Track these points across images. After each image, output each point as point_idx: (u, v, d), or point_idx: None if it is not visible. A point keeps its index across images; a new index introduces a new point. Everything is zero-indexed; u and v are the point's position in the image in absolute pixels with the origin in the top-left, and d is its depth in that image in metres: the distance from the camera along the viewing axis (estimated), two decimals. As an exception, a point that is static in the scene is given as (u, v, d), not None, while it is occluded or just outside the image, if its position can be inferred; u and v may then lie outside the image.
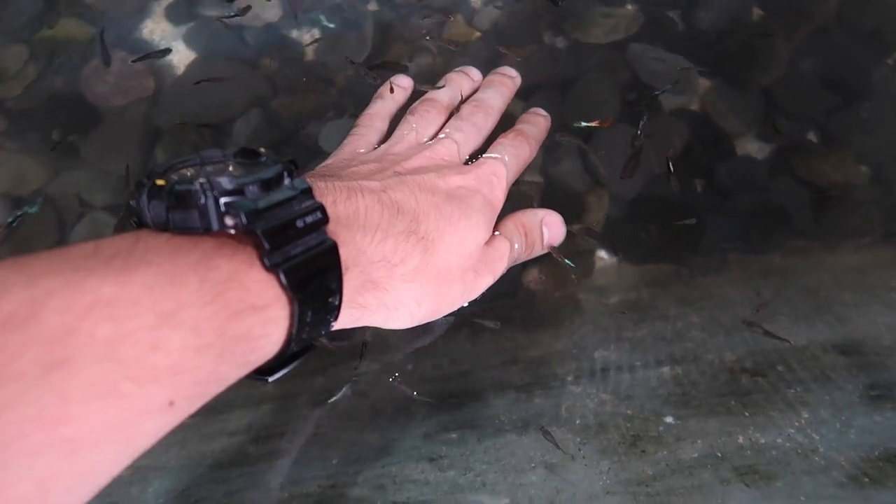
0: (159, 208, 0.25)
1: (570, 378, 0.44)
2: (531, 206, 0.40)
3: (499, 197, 0.39)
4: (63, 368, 0.20)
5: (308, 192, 0.27)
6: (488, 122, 0.43)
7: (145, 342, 0.22)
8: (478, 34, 0.61)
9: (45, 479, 0.19)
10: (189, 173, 0.27)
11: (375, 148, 0.42)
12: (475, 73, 0.47)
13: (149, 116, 0.58)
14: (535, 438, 0.39)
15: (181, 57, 0.59)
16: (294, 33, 0.61)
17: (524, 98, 0.59)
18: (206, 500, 0.40)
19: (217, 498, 0.40)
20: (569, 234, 0.41)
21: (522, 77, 0.59)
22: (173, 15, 0.61)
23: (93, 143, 0.57)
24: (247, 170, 0.27)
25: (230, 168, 0.28)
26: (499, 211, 0.38)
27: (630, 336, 0.48)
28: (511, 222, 0.39)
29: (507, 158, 0.40)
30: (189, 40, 0.60)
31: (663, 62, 0.60)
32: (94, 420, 0.20)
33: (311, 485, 0.40)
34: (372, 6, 0.62)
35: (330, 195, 0.30)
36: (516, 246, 0.38)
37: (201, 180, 0.25)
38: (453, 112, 0.43)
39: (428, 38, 0.61)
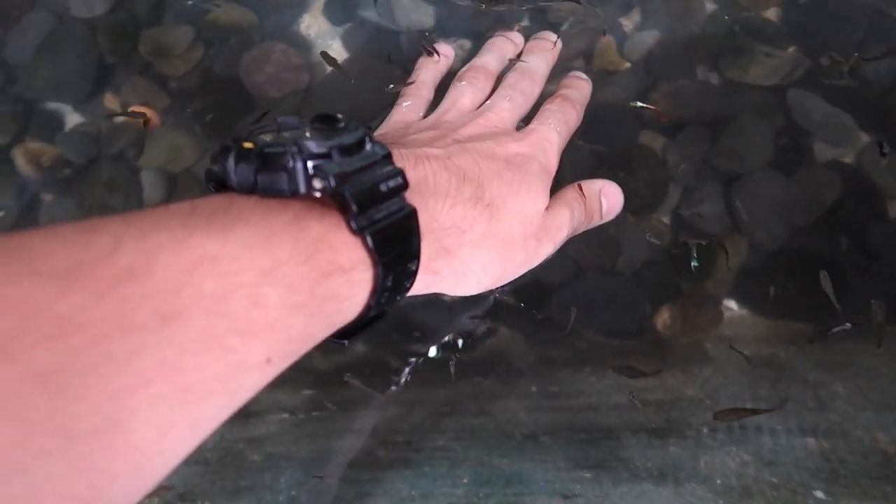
0: (247, 171, 0.25)
1: (705, 430, 0.43)
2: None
3: (552, 162, 0.39)
4: (177, 321, 0.20)
5: (388, 157, 0.28)
6: (535, 89, 0.44)
7: (247, 298, 0.22)
8: (628, 65, 0.60)
9: (163, 426, 0.20)
10: (268, 138, 0.27)
11: (424, 116, 0.42)
12: (517, 38, 0.48)
13: (300, 109, 0.59)
14: (674, 492, 0.38)
15: (336, 55, 0.60)
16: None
17: (671, 135, 0.58)
18: (339, 499, 0.41)
19: (348, 499, 0.41)
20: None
21: (672, 111, 0.58)
22: (331, 13, 0.62)
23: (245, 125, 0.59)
24: (325, 134, 0.27)
25: (308, 132, 0.28)
26: (553, 176, 0.38)
27: (766, 396, 0.47)
28: (570, 191, 0.40)
29: (556, 125, 0.41)
30: (345, 39, 0.61)
31: (822, 111, 0.58)
32: (205, 372, 0.21)
33: (443, 501, 0.41)
34: (524, 22, 0.62)
35: (400, 161, 0.30)
36: (577, 215, 0.39)
37: (290, 144, 0.25)
38: (499, 77, 0.44)
39: (577, 61, 0.61)
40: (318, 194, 0.25)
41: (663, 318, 0.54)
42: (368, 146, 0.28)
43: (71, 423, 0.18)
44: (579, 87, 0.46)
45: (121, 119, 0.58)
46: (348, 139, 0.27)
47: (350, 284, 0.26)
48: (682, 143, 0.58)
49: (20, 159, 0.56)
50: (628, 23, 0.61)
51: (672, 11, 0.61)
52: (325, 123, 0.28)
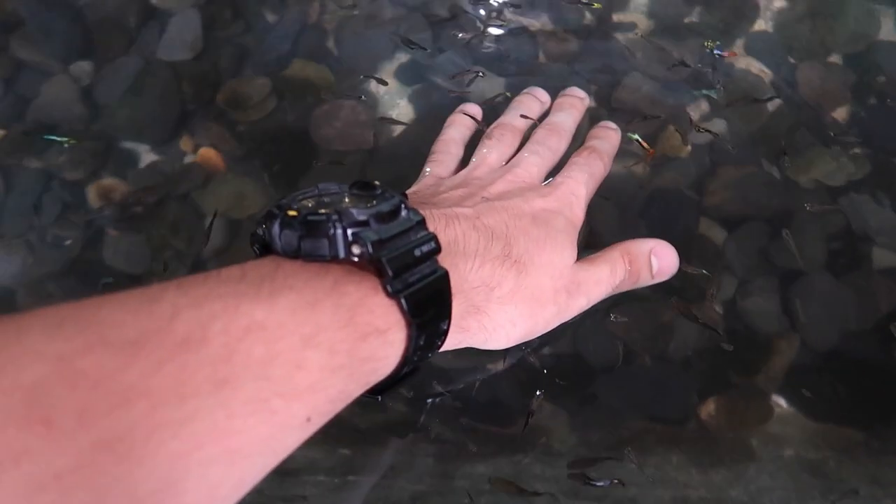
0: (291, 237, 0.27)
1: (750, 539, 0.42)
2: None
3: (578, 216, 0.40)
4: (228, 386, 0.22)
5: (422, 223, 0.29)
6: (562, 144, 0.45)
7: (291, 362, 0.24)
8: (688, 149, 0.61)
9: (212, 486, 0.22)
10: (310, 204, 0.29)
11: (455, 173, 0.43)
12: (544, 96, 0.50)
13: (364, 167, 0.61)
14: None
15: (402, 116, 0.62)
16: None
17: (729, 228, 0.58)
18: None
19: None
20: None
21: (734, 204, 0.58)
22: (402, 75, 0.64)
23: (309, 181, 0.60)
24: (363, 201, 0.29)
25: (346, 199, 0.29)
26: (579, 228, 0.39)
27: (816, 507, 0.45)
28: (616, 249, 0.40)
29: (583, 177, 0.42)
30: (413, 100, 0.63)
31: (882, 216, 0.57)
32: (252, 433, 0.23)
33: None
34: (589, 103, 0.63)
35: (431, 223, 0.31)
36: (619, 273, 0.38)
37: (332, 212, 0.27)
38: (527, 134, 0.45)
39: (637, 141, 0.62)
40: (356, 259, 0.27)
41: (709, 409, 0.53)
42: (404, 212, 0.29)
43: (135, 488, 0.19)
44: (607, 138, 0.47)
45: (192, 161, 0.60)
46: (385, 207, 0.28)
47: (386, 345, 0.27)
48: (740, 236, 0.58)
49: (92, 193, 0.58)
50: (695, 113, 0.62)
51: (738, 104, 0.62)
52: (364, 190, 0.30)
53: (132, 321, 0.21)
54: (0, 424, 0.18)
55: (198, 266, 0.58)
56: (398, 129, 0.62)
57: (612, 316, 0.54)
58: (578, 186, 0.42)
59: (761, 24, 0.65)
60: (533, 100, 0.50)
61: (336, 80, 0.63)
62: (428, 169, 0.45)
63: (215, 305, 0.23)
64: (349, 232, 0.27)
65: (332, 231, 0.27)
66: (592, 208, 0.59)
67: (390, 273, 0.27)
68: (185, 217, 0.58)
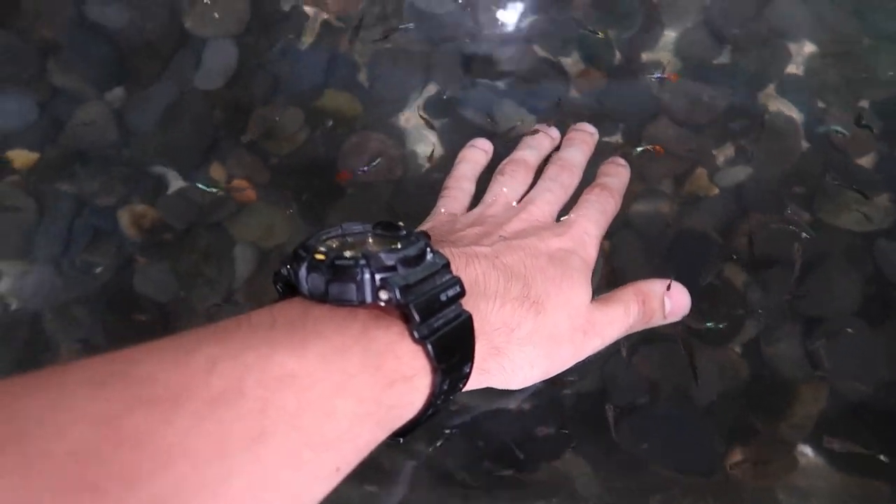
0: (319, 281, 0.27)
1: None
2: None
3: (592, 255, 0.40)
4: (262, 440, 0.22)
5: (447, 266, 0.29)
6: (573, 181, 0.46)
7: (321, 411, 0.24)
8: (717, 190, 0.61)
9: None
10: (335, 245, 0.29)
11: (468, 209, 0.44)
12: (554, 132, 0.50)
13: (391, 200, 0.61)
14: None
15: (436, 150, 0.62)
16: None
17: (754, 272, 0.58)
18: None
19: None
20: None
21: (761, 248, 0.58)
22: (431, 108, 0.64)
23: (337, 212, 0.61)
24: (388, 242, 0.29)
25: (371, 240, 0.30)
26: (592, 267, 0.39)
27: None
28: (630, 289, 0.40)
29: (595, 216, 0.42)
30: (442, 134, 0.63)
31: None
32: (283, 486, 0.23)
33: None
34: (615, 139, 0.63)
35: (452, 263, 0.31)
36: (632, 313, 0.39)
37: (360, 256, 0.27)
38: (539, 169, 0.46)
39: (665, 182, 0.62)
40: (383, 303, 0.27)
41: (734, 457, 0.53)
42: (429, 256, 0.29)
43: None
44: (618, 174, 0.47)
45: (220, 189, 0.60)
46: (412, 251, 0.29)
47: (411, 391, 0.28)
48: (766, 280, 0.58)
49: (124, 219, 0.59)
50: (721, 155, 0.62)
51: (766, 147, 0.62)
52: (388, 230, 0.31)
53: (170, 377, 0.22)
54: (49, 492, 0.18)
55: (230, 295, 0.58)
56: (426, 162, 0.62)
57: (630, 355, 0.55)
58: (591, 225, 0.42)
59: (792, 68, 0.65)
60: (543, 135, 0.50)
61: (364, 112, 0.64)
62: (441, 206, 0.46)
63: (249, 356, 0.23)
64: (377, 277, 0.27)
65: (359, 276, 0.27)
66: (617, 247, 0.60)
67: (417, 319, 0.27)
68: (216, 245, 0.58)
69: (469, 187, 0.48)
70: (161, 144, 0.61)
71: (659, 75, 0.60)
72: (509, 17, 0.66)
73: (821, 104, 0.63)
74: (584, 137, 0.50)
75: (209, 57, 0.63)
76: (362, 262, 0.27)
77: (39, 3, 0.64)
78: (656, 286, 0.42)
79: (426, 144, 0.63)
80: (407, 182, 0.62)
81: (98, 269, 0.58)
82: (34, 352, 0.57)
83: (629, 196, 0.60)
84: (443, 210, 0.45)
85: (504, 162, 0.49)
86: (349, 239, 0.30)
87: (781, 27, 0.65)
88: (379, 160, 0.60)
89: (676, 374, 0.55)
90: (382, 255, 0.27)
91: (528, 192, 0.46)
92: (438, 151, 0.62)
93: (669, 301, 0.42)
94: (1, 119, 0.62)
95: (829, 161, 0.61)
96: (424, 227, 0.44)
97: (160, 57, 0.64)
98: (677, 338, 0.52)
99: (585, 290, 0.38)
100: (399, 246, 0.29)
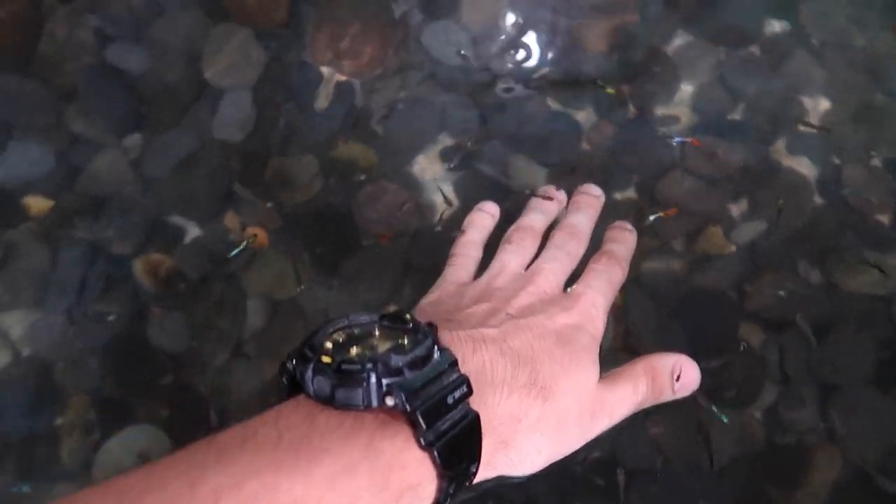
0: (324, 384, 0.27)
1: None
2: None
3: (599, 329, 0.40)
4: None
5: (454, 364, 0.29)
6: (580, 248, 0.45)
7: None
8: (733, 248, 0.61)
9: None
10: (341, 339, 0.29)
11: (475, 277, 0.44)
12: (560, 195, 0.50)
13: (407, 253, 0.61)
14: None
15: (452, 201, 0.62)
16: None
17: (770, 333, 0.58)
18: None
19: None
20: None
21: (776, 308, 0.58)
22: (446, 157, 0.64)
23: (351, 264, 0.61)
24: (395, 337, 0.29)
25: (376, 332, 0.30)
26: (600, 341, 0.39)
27: None
28: (639, 365, 0.39)
29: (602, 286, 0.42)
30: (457, 185, 0.63)
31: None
32: None
33: None
34: (628, 193, 0.63)
35: (459, 350, 0.31)
36: (641, 390, 0.38)
37: (366, 360, 0.27)
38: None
39: (678, 241, 0.62)
40: (389, 408, 0.27)
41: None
42: (436, 355, 0.29)
43: None
44: (624, 241, 0.47)
45: (237, 239, 0.60)
46: (419, 351, 0.28)
47: (418, 500, 0.28)
48: (782, 342, 0.58)
49: (139, 268, 0.59)
50: (735, 209, 0.62)
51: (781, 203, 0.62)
52: (394, 322, 0.30)
53: None
54: None
55: (239, 348, 0.58)
56: (440, 215, 0.62)
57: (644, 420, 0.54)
58: (598, 297, 0.42)
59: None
60: (550, 200, 0.50)
61: (380, 161, 0.64)
62: (448, 275, 0.46)
63: (254, 485, 0.24)
64: (384, 382, 0.27)
65: (366, 381, 0.27)
66: (629, 308, 0.60)
67: (424, 426, 0.27)
68: (230, 296, 0.59)
69: (476, 254, 0.48)
70: (178, 194, 0.62)
71: (680, 139, 0.60)
72: (524, 69, 0.66)
73: (836, 160, 0.64)
74: (591, 201, 0.50)
75: (227, 108, 0.63)
76: (369, 366, 0.27)
77: (59, 48, 0.65)
78: (666, 361, 0.41)
79: (440, 196, 0.63)
80: (421, 234, 0.62)
81: (111, 318, 0.58)
82: (44, 401, 0.57)
83: (640, 253, 0.61)
84: (450, 279, 0.45)
85: (511, 229, 0.48)
86: (355, 331, 0.30)
87: (796, 83, 0.65)
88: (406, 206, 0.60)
89: (690, 440, 0.54)
90: (389, 359, 0.27)
91: (535, 258, 0.46)
92: (453, 201, 0.62)
93: (679, 376, 0.41)
94: (20, 166, 0.62)
95: (844, 220, 0.61)
96: (430, 298, 0.44)
97: (178, 104, 0.64)
98: (695, 423, 0.52)
99: (594, 370, 0.38)
100: (406, 343, 0.29)
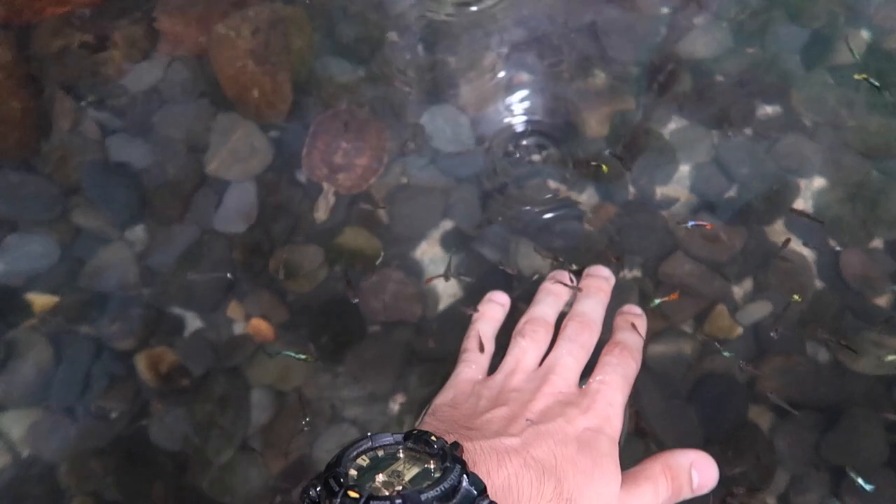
0: None
1: None
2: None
3: (617, 429, 0.40)
4: None
5: (484, 492, 0.29)
6: (593, 338, 0.45)
7: None
8: (740, 330, 0.61)
9: None
10: (365, 464, 0.29)
11: (488, 372, 0.44)
12: (569, 280, 0.50)
13: (410, 341, 0.61)
14: None
15: (454, 288, 0.62)
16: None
17: (780, 417, 0.57)
18: None
19: None
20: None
21: (785, 387, 0.58)
22: (447, 242, 0.65)
23: (355, 354, 0.60)
24: (421, 460, 0.29)
25: (401, 455, 0.30)
26: (618, 441, 0.39)
27: None
28: (658, 465, 0.39)
29: (617, 381, 0.42)
30: (458, 270, 0.64)
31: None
32: None
33: None
34: (634, 273, 0.63)
35: (483, 464, 0.31)
36: (662, 492, 0.38)
37: (395, 496, 0.27)
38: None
39: (687, 324, 0.62)
40: None
41: None
42: (465, 483, 0.29)
43: None
44: (635, 329, 0.47)
45: (241, 331, 0.60)
46: (448, 483, 0.28)
47: None
48: (791, 426, 0.57)
49: (141, 364, 0.58)
50: (739, 290, 0.63)
51: (783, 285, 0.62)
52: (419, 444, 0.30)
53: None
54: None
55: (245, 444, 0.57)
56: (444, 302, 0.62)
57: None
58: (615, 394, 0.42)
59: (801, 204, 0.66)
60: (560, 286, 0.50)
61: (384, 248, 0.64)
62: (461, 371, 0.45)
63: None
64: None
65: None
66: (638, 391, 0.59)
67: None
68: (233, 392, 0.58)
69: (489, 347, 0.48)
70: (181, 286, 0.61)
71: (694, 223, 0.61)
72: (525, 152, 0.67)
73: (832, 242, 0.64)
74: (600, 284, 0.50)
75: (231, 201, 0.64)
76: (398, 502, 0.27)
77: (63, 144, 0.66)
78: (684, 459, 0.41)
79: (443, 281, 0.63)
80: (426, 321, 0.62)
81: (113, 415, 0.57)
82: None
83: (648, 336, 0.61)
84: (463, 377, 0.45)
85: (523, 321, 0.48)
86: (379, 453, 0.30)
87: (790, 164, 0.66)
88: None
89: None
90: (419, 497, 0.27)
91: (548, 350, 0.46)
92: (454, 289, 0.63)
93: (697, 475, 0.41)
94: (24, 262, 0.62)
95: (846, 301, 0.61)
96: (446, 398, 0.44)
97: (181, 197, 0.65)
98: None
99: (615, 477, 0.38)
100: (433, 469, 0.29)
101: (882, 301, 0.62)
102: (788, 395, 0.58)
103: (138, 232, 0.64)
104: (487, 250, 0.64)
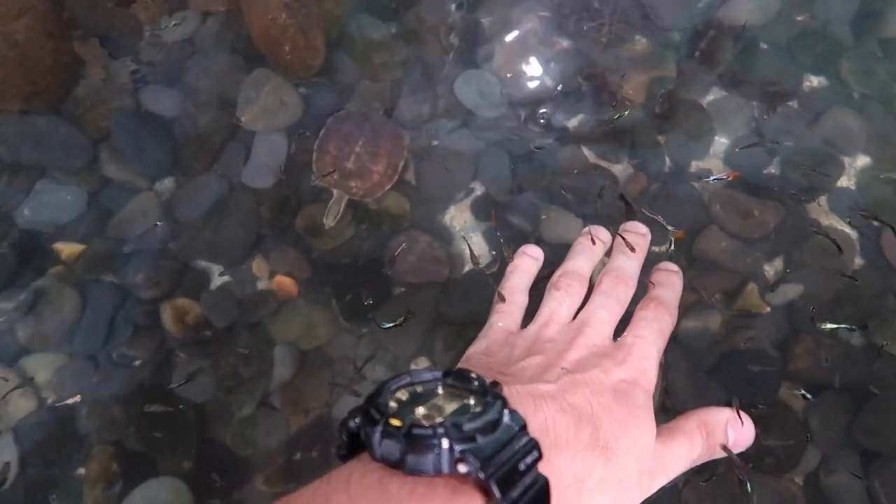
0: (393, 448, 0.26)
1: None
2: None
3: (652, 381, 0.39)
4: None
5: (524, 428, 0.28)
6: (629, 293, 0.44)
7: None
8: (768, 309, 0.59)
9: None
10: (405, 397, 0.28)
11: (522, 325, 0.43)
12: (605, 235, 0.48)
13: (437, 303, 0.60)
14: None
15: (478, 251, 0.61)
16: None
17: (812, 392, 0.56)
18: None
19: None
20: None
21: (816, 371, 0.56)
22: (477, 209, 0.64)
23: (383, 314, 0.60)
24: (461, 396, 0.28)
25: (441, 391, 0.29)
26: (653, 394, 0.38)
27: None
28: (694, 421, 0.38)
29: (652, 336, 0.41)
30: (487, 236, 0.63)
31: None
32: None
33: None
34: (664, 248, 0.62)
35: (519, 407, 0.30)
36: (697, 447, 0.37)
37: (437, 425, 0.26)
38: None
39: (714, 299, 0.60)
40: (461, 474, 0.26)
41: None
42: (507, 417, 0.28)
43: None
44: (671, 284, 0.46)
45: (265, 287, 0.60)
46: (491, 416, 0.28)
47: None
48: (822, 407, 0.56)
49: (166, 314, 0.58)
50: (771, 269, 0.61)
51: (818, 263, 0.60)
52: (459, 381, 0.30)
53: None
54: None
55: (265, 400, 0.57)
56: (470, 265, 0.61)
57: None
58: (650, 348, 0.41)
59: (844, 181, 0.64)
60: (596, 241, 0.49)
61: (412, 210, 0.63)
62: (495, 321, 0.45)
63: None
64: (456, 449, 0.26)
65: (437, 448, 0.26)
66: (667, 364, 0.58)
67: (498, 496, 0.26)
68: (256, 346, 0.58)
69: (522, 300, 0.47)
70: (207, 240, 0.61)
71: (716, 177, 0.59)
72: (559, 120, 0.66)
73: (875, 222, 0.62)
74: (637, 240, 0.49)
75: (260, 154, 0.63)
76: (440, 431, 0.26)
77: (95, 91, 0.65)
78: (720, 416, 0.40)
79: (472, 245, 0.62)
80: (453, 283, 0.61)
81: (137, 363, 0.57)
82: (67, 450, 0.56)
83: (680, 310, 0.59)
84: (497, 327, 0.44)
85: (557, 273, 0.47)
86: (419, 388, 0.29)
87: (834, 139, 0.64)
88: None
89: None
90: (462, 426, 0.27)
91: (582, 304, 0.45)
92: (483, 251, 0.61)
93: (733, 432, 0.40)
94: (52, 210, 0.62)
95: (888, 282, 0.59)
96: (479, 347, 0.43)
97: (210, 148, 0.64)
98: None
99: (651, 428, 0.37)
100: (473, 406, 0.28)
101: (926, 282, 0.60)
102: (821, 377, 0.57)
103: (167, 183, 0.63)
104: (518, 219, 0.63)
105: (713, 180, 0.61)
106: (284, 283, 0.60)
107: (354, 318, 0.60)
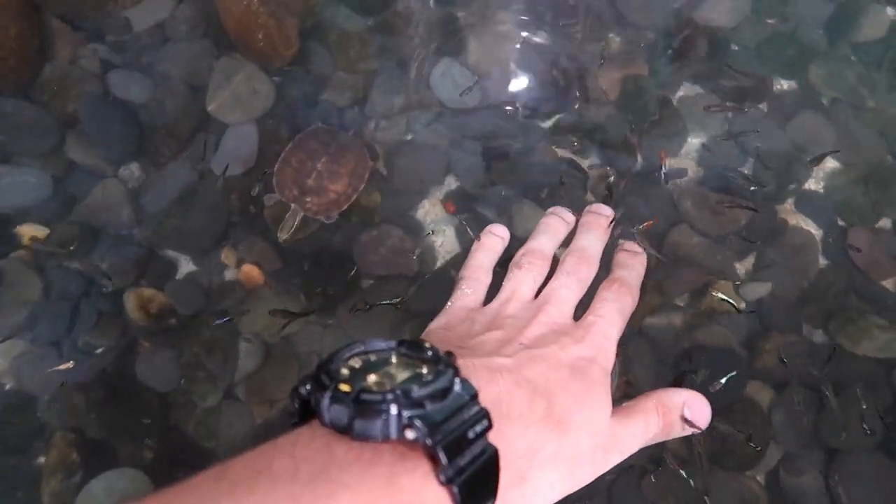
0: (342, 414, 0.26)
1: None
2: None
3: (610, 360, 0.39)
4: None
5: (475, 398, 0.28)
6: (591, 272, 0.44)
7: None
8: (743, 304, 0.60)
9: None
10: (357, 364, 0.28)
11: (484, 303, 0.43)
12: (569, 216, 0.49)
13: (406, 293, 0.60)
14: None
15: (449, 245, 0.61)
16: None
17: (777, 390, 0.57)
18: None
19: None
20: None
21: (781, 368, 0.57)
22: (454, 200, 0.63)
23: (348, 307, 0.59)
24: (413, 365, 0.28)
25: (394, 360, 0.29)
26: (610, 372, 0.38)
27: None
28: (651, 401, 0.38)
29: (613, 316, 0.41)
30: (458, 230, 0.63)
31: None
32: None
33: None
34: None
35: (474, 379, 0.30)
36: (653, 426, 0.37)
37: (386, 391, 0.26)
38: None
39: (683, 298, 0.61)
40: (408, 440, 0.26)
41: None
42: (457, 386, 0.28)
43: None
44: (634, 265, 0.46)
45: (232, 277, 0.59)
46: (441, 384, 0.27)
47: None
48: (788, 403, 0.56)
49: (131, 303, 0.57)
50: (741, 267, 0.62)
51: (785, 262, 0.61)
52: (412, 350, 0.29)
53: None
54: None
55: (230, 391, 0.56)
56: (441, 259, 0.61)
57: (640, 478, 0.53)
58: (610, 328, 0.41)
59: (812, 184, 0.64)
60: (560, 221, 0.49)
61: (382, 203, 0.63)
62: (456, 298, 0.45)
63: None
64: (404, 415, 0.26)
65: (385, 413, 0.26)
66: (630, 358, 0.59)
67: (444, 462, 0.26)
68: (221, 336, 0.57)
69: (485, 278, 0.47)
70: (174, 228, 0.60)
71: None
72: (532, 116, 0.66)
73: (841, 222, 0.63)
74: (601, 222, 0.49)
75: (231, 143, 0.62)
76: (389, 396, 0.26)
77: (62, 74, 0.64)
78: (677, 397, 0.40)
79: (442, 238, 0.62)
80: (422, 276, 0.61)
81: (99, 351, 0.56)
82: (26, 438, 0.55)
83: (646, 308, 0.60)
84: (459, 304, 0.44)
85: (520, 252, 0.47)
86: (372, 357, 0.29)
87: (803, 142, 0.65)
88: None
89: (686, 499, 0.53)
90: (410, 391, 0.26)
91: (545, 282, 0.45)
92: (454, 246, 0.61)
93: (690, 413, 0.40)
94: (15, 193, 0.61)
95: (851, 282, 0.60)
96: (440, 322, 0.43)
97: (178, 137, 0.63)
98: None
99: (606, 405, 0.37)
100: (426, 374, 0.28)
101: (888, 283, 0.61)
102: (784, 374, 0.57)
103: (133, 169, 0.63)
104: (489, 212, 0.63)
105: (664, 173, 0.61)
106: (251, 272, 0.59)
107: (321, 310, 0.59)
